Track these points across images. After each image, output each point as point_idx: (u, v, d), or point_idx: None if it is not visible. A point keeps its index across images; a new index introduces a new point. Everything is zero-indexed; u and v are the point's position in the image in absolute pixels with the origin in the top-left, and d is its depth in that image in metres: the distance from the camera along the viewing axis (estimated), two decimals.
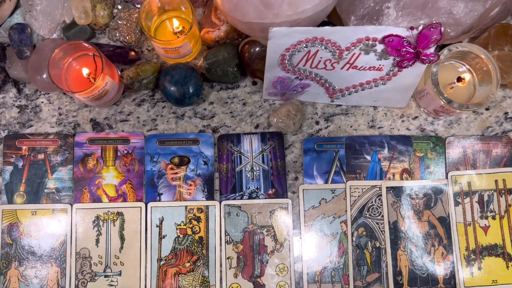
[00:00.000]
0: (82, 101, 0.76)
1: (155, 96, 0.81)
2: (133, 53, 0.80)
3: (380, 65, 0.72)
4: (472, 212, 0.78)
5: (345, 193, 0.78)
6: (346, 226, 0.77)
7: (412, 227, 0.77)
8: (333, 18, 0.77)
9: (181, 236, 0.77)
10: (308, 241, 0.77)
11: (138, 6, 0.82)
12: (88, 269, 0.76)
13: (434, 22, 0.68)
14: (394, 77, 0.74)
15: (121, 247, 0.76)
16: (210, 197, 0.78)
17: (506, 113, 0.82)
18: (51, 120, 0.80)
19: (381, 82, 0.76)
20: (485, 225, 0.78)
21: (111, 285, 0.75)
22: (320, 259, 0.77)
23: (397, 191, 0.78)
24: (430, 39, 0.67)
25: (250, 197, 0.78)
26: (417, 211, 0.78)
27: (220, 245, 0.77)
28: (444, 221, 0.78)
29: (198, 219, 0.77)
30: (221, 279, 0.76)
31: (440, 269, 0.76)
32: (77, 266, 0.75)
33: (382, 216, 0.77)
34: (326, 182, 0.79)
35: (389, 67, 0.73)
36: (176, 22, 0.77)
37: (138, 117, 0.80)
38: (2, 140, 0.79)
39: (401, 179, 0.79)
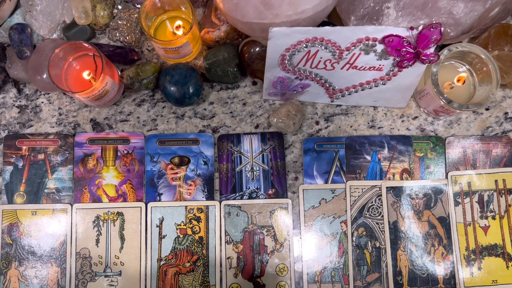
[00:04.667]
0: (82, 101, 0.76)
1: (155, 96, 0.81)
2: (134, 54, 0.80)
3: (380, 65, 0.72)
4: (472, 212, 0.78)
5: (345, 193, 0.78)
6: (346, 226, 0.77)
7: (412, 227, 0.77)
8: (333, 18, 0.78)
9: (181, 236, 0.77)
10: (308, 241, 0.77)
11: (138, 6, 0.82)
12: (88, 269, 0.76)
13: (434, 22, 0.68)
14: (394, 77, 0.74)
15: (121, 247, 0.76)
16: (210, 197, 0.78)
17: (506, 113, 0.82)
18: (51, 120, 0.80)
19: (381, 82, 0.76)
20: (485, 225, 0.78)
21: (111, 285, 0.75)
22: (320, 259, 0.77)
23: (397, 191, 0.78)
24: (430, 39, 0.67)
25: (250, 197, 0.78)
26: (417, 211, 0.78)
27: (220, 245, 0.77)
28: (444, 221, 0.78)
29: (198, 219, 0.77)
30: (221, 279, 0.76)
31: (440, 269, 0.76)
32: (77, 266, 0.75)
33: (382, 216, 0.77)
34: (326, 182, 0.78)
35: (389, 67, 0.73)
36: (179, 22, 0.77)
37: (138, 117, 0.80)
38: (2, 140, 0.79)
39: (401, 179, 0.79)
